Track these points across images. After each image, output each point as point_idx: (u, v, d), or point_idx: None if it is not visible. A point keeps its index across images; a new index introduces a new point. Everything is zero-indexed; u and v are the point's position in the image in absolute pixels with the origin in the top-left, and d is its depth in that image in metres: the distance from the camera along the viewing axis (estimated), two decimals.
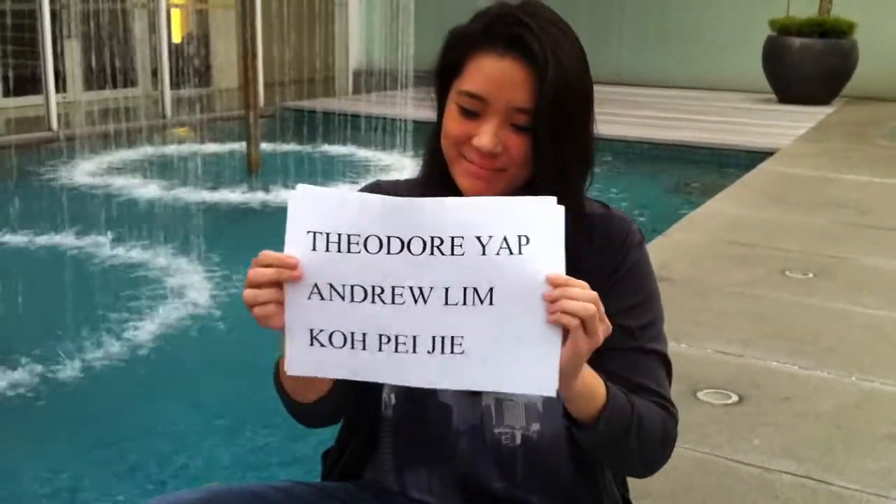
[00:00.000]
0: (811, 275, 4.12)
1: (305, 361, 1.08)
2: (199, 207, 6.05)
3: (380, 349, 1.06)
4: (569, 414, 1.18)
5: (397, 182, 1.45)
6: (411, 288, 1.05)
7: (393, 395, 1.34)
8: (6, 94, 8.80)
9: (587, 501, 1.35)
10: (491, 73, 1.19)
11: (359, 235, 1.05)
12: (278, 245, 1.07)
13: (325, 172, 7.36)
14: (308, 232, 1.06)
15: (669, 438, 1.27)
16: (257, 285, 1.07)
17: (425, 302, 1.05)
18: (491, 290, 1.04)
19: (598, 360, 1.25)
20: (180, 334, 3.86)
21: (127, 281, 4.50)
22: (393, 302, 1.05)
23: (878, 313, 3.62)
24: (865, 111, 10.65)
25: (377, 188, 1.37)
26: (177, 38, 11.52)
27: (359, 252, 1.05)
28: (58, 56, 8.83)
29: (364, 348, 1.06)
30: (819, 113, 10.12)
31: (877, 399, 2.83)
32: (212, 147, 8.25)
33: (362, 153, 8.23)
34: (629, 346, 1.27)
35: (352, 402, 1.33)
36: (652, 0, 13.14)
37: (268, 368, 1.27)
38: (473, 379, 1.07)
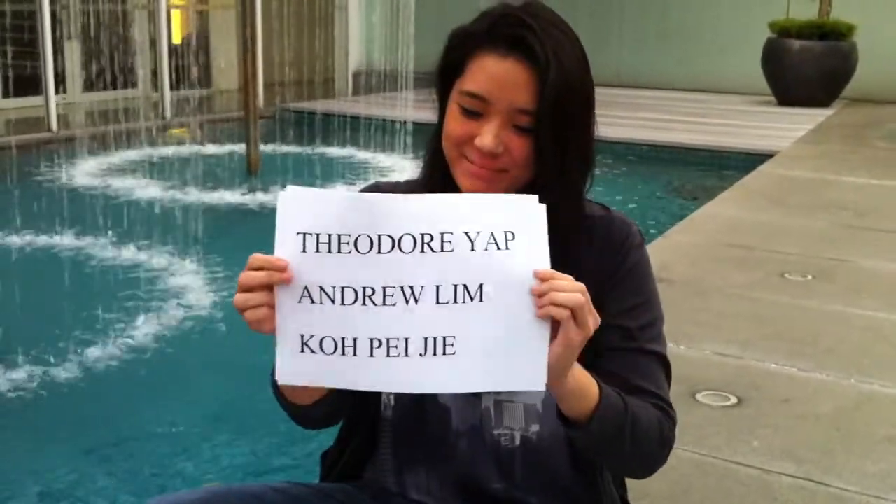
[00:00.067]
0: (810, 277, 4.12)
1: (296, 370, 1.06)
2: (198, 208, 6.05)
3: (371, 354, 1.04)
4: (563, 414, 1.18)
5: (397, 183, 1.45)
6: (402, 288, 1.04)
7: (392, 396, 1.34)
8: (6, 94, 8.80)
9: (586, 502, 1.35)
10: (493, 73, 1.19)
11: (349, 235, 1.04)
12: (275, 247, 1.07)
13: (325, 174, 7.37)
14: (298, 233, 1.05)
15: (666, 440, 1.27)
16: (248, 289, 1.05)
17: (416, 302, 1.04)
18: (481, 286, 1.04)
19: (598, 360, 1.26)
20: (180, 335, 3.86)
21: (126, 281, 4.50)
22: (384, 304, 1.04)
23: (878, 315, 3.63)
24: (865, 113, 10.66)
25: (376, 189, 1.37)
26: (177, 40, 11.53)
27: (349, 252, 1.04)
28: (58, 57, 8.84)
29: (355, 354, 1.04)
30: (818, 115, 10.13)
31: (876, 401, 2.83)
32: (211, 148, 8.26)
33: (362, 154, 8.23)
34: (629, 346, 1.27)
35: (350, 404, 1.33)
36: (652, 1, 13.15)
37: (267, 369, 1.27)
38: (463, 380, 1.06)
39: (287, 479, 1.40)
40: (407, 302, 1.04)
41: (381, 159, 8.02)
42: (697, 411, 2.69)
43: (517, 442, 1.30)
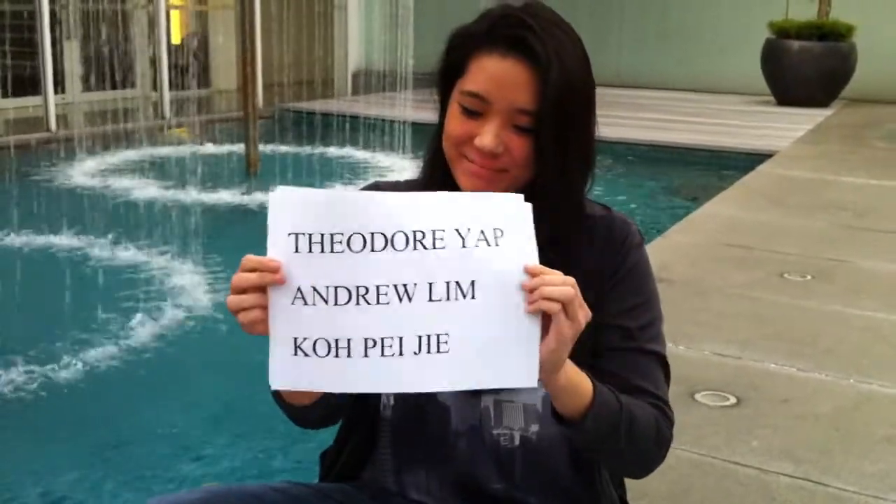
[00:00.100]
0: (809, 277, 4.12)
1: (289, 373, 1.04)
2: (197, 208, 6.05)
3: (365, 354, 1.03)
4: (558, 413, 1.18)
5: (397, 183, 1.45)
6: (395, 286, 1.04)
7: (392, 396, 1.34)
8: (5, 94, 8.80)
9: (585, 502, 1.35)
10: (493, 73, 1.20)
11: (342, 234, 1.04)
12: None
13: (324, 174, 7.37)
14: (290, 234, 1.04)
15: (663, 439, 1.27)
16: (241, 290, 1.05)
17: (410, 300, 1.04)
18: (473, 283, 1.05)
19: (598, 361, 1.26)
20: (179, 335, 3.86)
21: (125, 281, 4.50)
22: (378, 302, 1.04)
23: (877, 315, 3.63)
24: (864, 113, 10.66)
25: (376, 188, 1.37)
26: (176, 40, 11.52)
27: (342, 251, 1.04)
28: (57, 57, 8.84)
29: (349, 355, 1.03)
30: (818, 115, 10.14)
31: (875, 401, 2.83)
32: (210, 148, 8.25)
33: (361, 155, 8.23)
34: (628, 346, 1.28)
35: (349, 404, 1.33)
36: (652, 1, 13.16)
37: (266, 370, 1.27)
38: (458, 378, 1.06)
39: (287, 479, 1.40)
40: (400, 300, 1.04)
41: (381, 159, 8.02)
42: (696, 411, 2.69)
43: (517, 442, 1.30)
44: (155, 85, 9.95)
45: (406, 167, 7.49)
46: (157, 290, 4.38)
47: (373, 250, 1.04)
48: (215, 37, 12.11)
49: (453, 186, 1.25)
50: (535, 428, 1.30)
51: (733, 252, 4.52)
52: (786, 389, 2.89)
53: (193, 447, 2.97)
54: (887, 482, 2.31)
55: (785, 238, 4.81)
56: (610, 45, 12.56)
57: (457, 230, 1.05)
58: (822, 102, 10.86)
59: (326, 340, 1.03)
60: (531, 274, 1.05)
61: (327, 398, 1.23)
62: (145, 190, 6.57)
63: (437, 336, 1.04)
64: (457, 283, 1.04)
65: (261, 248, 1.08)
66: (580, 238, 1.29)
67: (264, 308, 1.04)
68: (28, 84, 8.97)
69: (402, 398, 1.33)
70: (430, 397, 1.31)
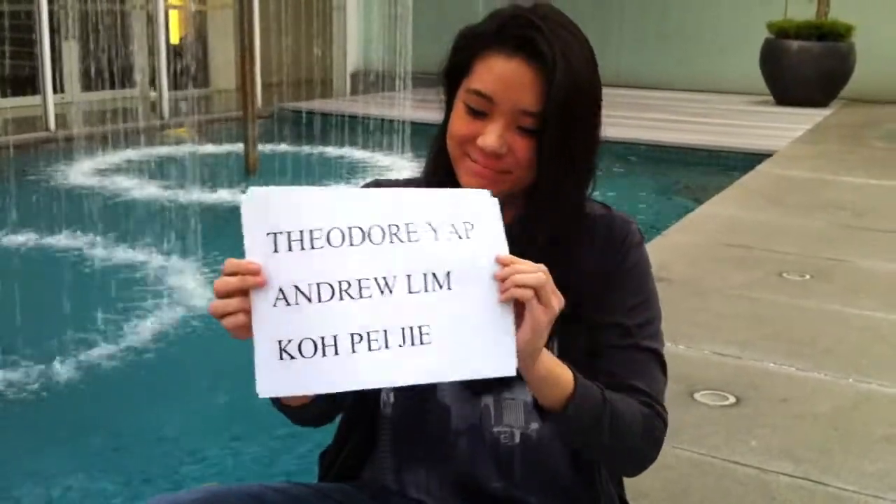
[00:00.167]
0: (808, 277, 4.12)
1: (276, 380, 1.03)
2: (196, 208, 6.05)
3: (353, 350, 1.03)
4: (543, 407, 1.19)
5: (397, 181, 1.45)
6: (376, 279, 1.05)
7: (392, 395, 1.34)
8: (4, 94, 8.79)
9: (585, 501, 1.35)
10: (500, 73, 1.19)
11: (321, 230, 1.04)
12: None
13: (323, 173, 7.36)
14: (268, 234, 1.04)
15: (653, 437, 1.27)
16: (225, 295, 1.04)
17: (391, 292, 1.05)
18: (448, 273, 1.07)
19: (596, 359, 1.26)
20: (179, 335, 3.86)
21: (124, 281, 4.50)
22: (361, 296, 1.04)
23: (876, 315, 3.63)
24: (862, 113, 10.67)
25: (377, 186, 1.37)
26: (175, 39, 11.51)
27: (322, 247, 1.04)
28: (55, 57, 8.83)
29: (336, 353, 1.02)
30: (816, 115, 10.14)
31: (874, 400, 2.83)
32: (210, 148, 8.25)
33: (360, 154, 8.23)
34: (626, 343, 1.28)
35: (347, 401, 1.33)
36: (652, 1, 13.16)
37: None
38: (441, 369, 1.06)
39: (287, 479, 1.40)
40: (382, 293, 1.05)
41: (380, 159, 8.01)
42: (696, 411, 2.69)
43: (517, 440, 1.30)
44: (154, 84, 9.95)
45: (405, 167, 7.48)
46: (156, 290, 4.38)
47: (351, 244, 1.05)
48: (214, 36, 12.11)
49: (455, 185, 1.25)
50: (535, 426, 1.30)
51: (732, 252, 4.52)
52: (785, 389, 2.89)
53: (193, 447, 2.96)
54: (886, 481, 2.32)
55: (784, 238, 4.81)
56: (610, 45, 12.55)
57: (429, 223, 1.07)
58: (821, 102, 10.86)
59: (312, 340, 1.02)
60: (502, 264, 1.08)
61: (322, 396, 1.22)
62: (144, 190, 6.57)
63: (420, 328, 1.05)
64: (433, 274, 1.06)
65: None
66: (580, 238, 1.29)
67: (248, 312, 1.03)
68: (27, 84, 8.96)
69: (401, 397, 1.33)
70: (430, 396, 1.31)
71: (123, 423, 3.16)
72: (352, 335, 1.03)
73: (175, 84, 9.96)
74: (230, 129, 8.72)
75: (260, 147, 7.44)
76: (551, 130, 1.19)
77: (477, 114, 1.22)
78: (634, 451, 1.27)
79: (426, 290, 1.06)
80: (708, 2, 12.82)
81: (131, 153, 7.87)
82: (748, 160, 7.49)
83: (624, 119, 9.03)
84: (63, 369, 3.45)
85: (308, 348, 1.02)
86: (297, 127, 9.17)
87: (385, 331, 1.04)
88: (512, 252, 1.11)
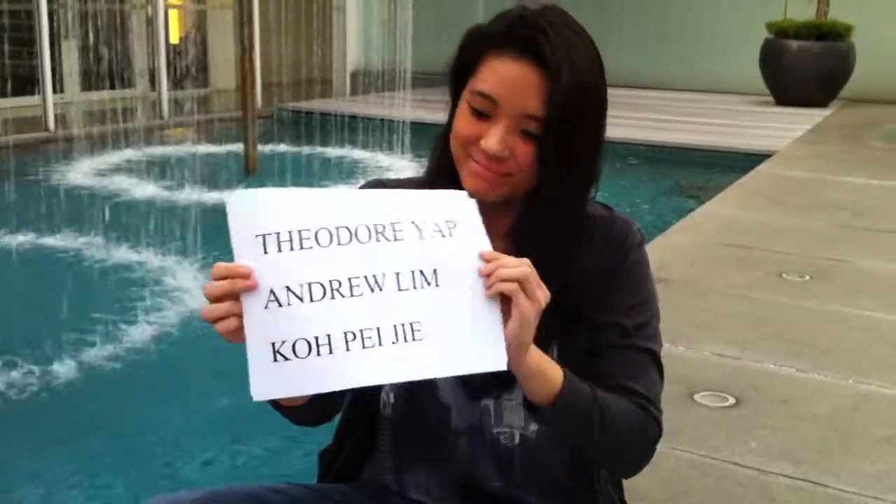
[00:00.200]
0: (808, 277, 4.12)
1: (271, 382, 1.02)
2: (196, 208, 6.04)
3: (347, 349, 1.03)
4: (533, 404, 1.19)
5: (399, 181, 1.45)
6: (366, 277, 1.05)
7: (392, 395, 1.34)
8: (3, 94, 8.79)
9: (584, 502, 1.35)
10: (504, 75, 1.19)
11: (308, 230, 1.05)
12: None
13: (323, 174, 7.36)
14: (257, 236, 1.03)
15: (647, 438, 1.27)
16: (215, 299, 1.03)
17: (381, 289, 1.06)
18: (435, 271, 1.08)
19: (593, 359, 1.26)
20: (179, 336, 3.86)
21: (124, 281, 4.50)
22: (352, 294, 1.04)
23: (875, 315, 3.63)
24: (862, 113, 10.67)
25: (379, 185, 1.37)
26: (174, 39, 11.52)
27: (311, 247, 1.04)
28: (55, 56, 8.83)
29: (331, 352, 1.02)
30: (816, 115, 10.14)
31: (874, 401, 2.83)
32: (209, 148, 8.25)
33: (359, 154, 8.22)
34: (624, 343, 1.28)
35: (346, 399, 1.33)
36: (652, 1, 13.16)
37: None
38: (435, 364, 1.06)
39: (287, 480, 1.40)
40: (372, 290, 1.05)
41: (380, 159, 8.01)
42: (696, 412, 2.69)
43: (516, 440, 1.30)
44: (153, 84, 9.94)
45: (405, 167, 7.48)
46: (156, 290, 4.38)
47: (340, 244, 1.06)
48: (214, 36, 12.11)
49: (458, 185, 1.25)
50: (534, 427, 1.30)
51: (732, 252, 4.52)
52: (785, 390, 2.89)
53: (193, 448, 2.96)
54: (886, 482, 2.31)
55: (784, 238, 4.81)
56: (610, 46, 12.50)
57: (413, 223, 1.09)
58: (821, 102, 10.87)
59: (306, 340, 1.02)
60: (486, 260, 1.09)
61: (319, 395, 1.22)
62: (144, 190, 6.57)
63: (411, 324, 1.06)
64: (420, 271, 1.07)
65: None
66: (581, 239, 1.29)
67: (240, 316, 1.03)
68: (26, 83, 8.96)
69: (402, 397, 1.33)
70: (430, 396, 1.31)
71: (123, 423, 3.15)
72: (345, 334, 1.03)
73: (175, 84, 9.96)
74: (230, 129, 8.72)
75: (260, 147, 7.44)
76: (553, 137, 1.18)
77: (481, 115, 1.21)
78: (627, 451, 1.27)
79: (415, 288, 1.07)
80: (708, 2, 12.83)
81: (131, 153, 7.87)
82: (748, 160, 7.49)
83: (624, 119, 9.03)
84: (63, 369, 3.44)
85: (302, 349, 1.02)
86: (296, 127, 9.17)
87: (378, 328, 1.04)
88: (511, 253, 1.11)
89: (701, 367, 3.03)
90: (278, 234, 1.04)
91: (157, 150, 8.04)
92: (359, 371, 1.03)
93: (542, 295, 1.09)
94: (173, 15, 11.71)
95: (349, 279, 1.05)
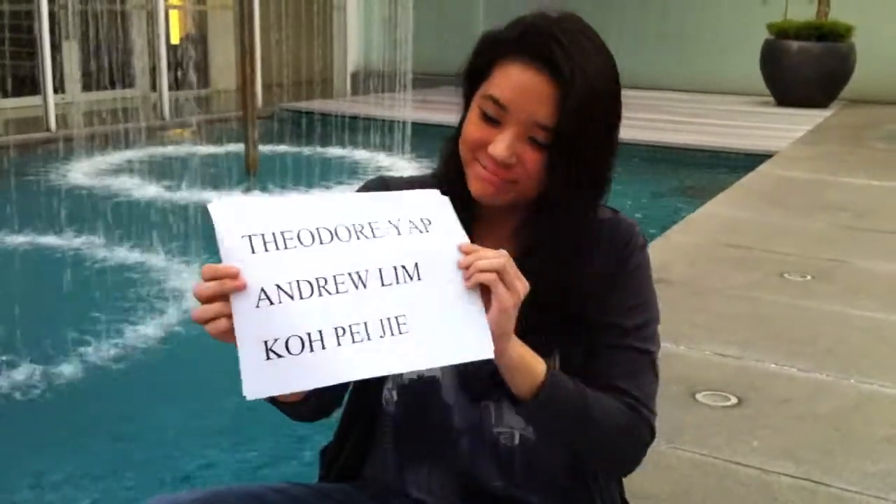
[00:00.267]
0: (809, 277, 4.12)
1: (264, 381, 1.02)
2: (196, 208, 6.04)
3: (338, 343, 1.04)
4: (517, 398, 1.19)
5: (402, 179, 1.44)
6: (350, 274, 1.08)
7: (395, 392, 1.34)
8: (4, 94, 8.80)
9: (585, 501, 1.35)
10: (516, 82, 1.18)
11: (290, 231, 1.08)
12: None
13: (323, 174, 7.36)
14: (243, 237, 1.05)
15: (635, 438, 1.26)
16: (205, 300, 1.04)
17: (365, 286, 1.08)
18: (416, 265, 1.11)
19: (590, 357, 1.26)
20: (180, 336, 3.86)
21: (125, 281, 4.50)
22: (337, 291, 1.07)
23: (876, 316, 3.63)
24: (863, 114, 10.67)
25: (381, 182, 1.37)
26: (175, 40, 11.52)
27: (295, 247, 1.07)
28: (56, 57, 8.83)
29: (323, 347, 1.04)
30: (817, 116, 10.15)
31: (876, 401, 2.83)
32: (210, 148, 8.25)
33: (360, 154, 8.22)
34: (621, 343, 1.28)
35: (343, 393, 1.33)
36: (652, 1, 13.16)
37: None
38: (420, 357, 1.08)
39: (288, 479, 1.40)
40: (356, 287, 1.08)
41: (380, 159, 8.01)
42: (697, 411, 2.69)
43: (516, 441, 1.30)
44: (154, 85, 9.95)
45: (405, 167, 7.47)
46: (156, 291, 4.38)
47: (321, 243, 1.08)
48: (214, 37, 12.11)
49: (464, 188, 1.25)
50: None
51: (733, 252, 4.52)
52: (786, 389, 2.89)
53: (194, 448, 2.96)
54: (888, 482, 2.31)
55: (784, 238, 4.81)
56: (610, 46, 12.43)
57: (389, 221, 1.13)
58: (821, 103, 10.87)
59: (299, 337, 1.03)
60: (464, 252, 1.12)
61: (314, 391, 1.22)
62: (145, 190, 6.57)
63: (396, 318, 1.08)
64: (403, 266, 1.10)
65: None
66: (587, 242, 1.29)
67: (230, 316, 1.03)
68: (27, 84, 8.96)
69: (404, 395, 1.33)
70: (433, 395, 1.31)
71: (124, 423, 3.15)
72: (335, 329, 1.05)
73: (175, 84, 9.97)
74: (230, 129, 8.73)
75: (260, 147, 7.45)
76: (562, 147, 1.18)
77: (490, 120, 1.21)
78: (615, 450, 1.28)
79: (398, 282, 1.09)
80: (708, 2, 12.83)
81: (131, 153, 7.87)
82: (748, 161, 7.49)
83: (624, 119, 8.99)
84: (63, 369, 3.44)
85: (296, 345, 1.03)
86: (297, 127, 9.18)
87: (365, 323, 1.06)
88: (510, 254, 1.11)
89: (702, 367, 3.03)
90: (263, 234, 1.07)
91: (158, 151, 8.04)
92: (349, 365, 1.05)
93: (521, 286, 1.10)
94: (174, 15, 11.72)
95: (334, 276, 1.07)
